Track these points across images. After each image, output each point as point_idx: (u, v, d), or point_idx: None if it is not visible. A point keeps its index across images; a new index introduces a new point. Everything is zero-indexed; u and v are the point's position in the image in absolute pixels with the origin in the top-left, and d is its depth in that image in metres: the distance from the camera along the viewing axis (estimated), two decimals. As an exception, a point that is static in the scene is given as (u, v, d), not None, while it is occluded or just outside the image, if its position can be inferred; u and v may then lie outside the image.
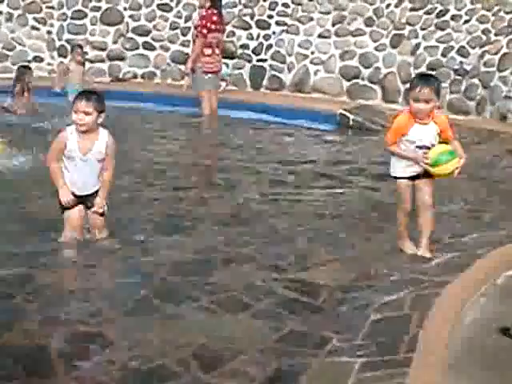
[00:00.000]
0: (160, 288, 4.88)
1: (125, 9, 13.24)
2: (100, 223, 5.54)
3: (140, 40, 13.18)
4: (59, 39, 13.35)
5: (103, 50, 13.26)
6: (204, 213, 6.61)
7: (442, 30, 11.55)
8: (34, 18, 13.41)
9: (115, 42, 13.27)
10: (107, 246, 5.58)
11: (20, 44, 13.30)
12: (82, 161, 5.21)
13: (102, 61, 13.20)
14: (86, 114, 5.06)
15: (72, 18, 13.36)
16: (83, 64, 11.12)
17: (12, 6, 13.38)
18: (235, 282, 4.94)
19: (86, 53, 12.05)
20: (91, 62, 13.14)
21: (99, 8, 13.32)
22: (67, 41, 13.28)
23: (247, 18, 12.71)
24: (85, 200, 5.41)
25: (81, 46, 11.46)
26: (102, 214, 5.50)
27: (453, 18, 11.53)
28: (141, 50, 13.22)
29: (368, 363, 3.84)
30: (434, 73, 11.31)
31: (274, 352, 4.03)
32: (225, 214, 6.57)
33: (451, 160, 5.16)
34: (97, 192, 5.39)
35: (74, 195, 5.34)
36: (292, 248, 5.68)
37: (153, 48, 13.13)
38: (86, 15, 13.35)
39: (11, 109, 10.75)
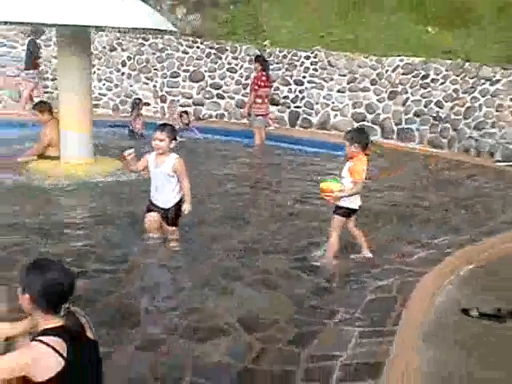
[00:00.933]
0: (220, 268, 4.69)
1: (205, 71, 13.15)
2: (171, 229, 5.08)
3: (214, 92, 13.07)
4: (161, 91, 13.31)
5: (189, 98, 13.18)
6: (255, 212, 6.37)
7: (425, 88, 11.22)
8: (145, 77, 13.41)
9: (198, 93, 13.16)
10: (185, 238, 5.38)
11: (135, 93, 13.31)
12: (154, 173, 4.93)
13: (189, 106, 13.12)
14: (161, 140, 4.80)
15: (170, 77, 13.31)
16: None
17: (131, 68, 13.41)
18: (271, 267, 4.74)
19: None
20: (182, 106, 13.14)
21: (188, 70, 13.25)
22: (166, 92, 13.25)
23: (288, 78, 12.51)
24: (161, 212, 5.00)
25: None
26: (172, 224, 5.04)
27: (432, 80, 11.20)
28: (215, 99, 13.09)
29: (364, 332, 3.67)
30: (417, 119, 11.09)
31: (295, 321, 3.85)
32: (268, 214, 6.33)
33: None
34: (168, 209, 4.95)
35: (151, 203, 5.03)
36: (312, 242, 5.42)
37: (223, 97, 13.01)
38: (179, 75, 13.29)
39: (134, 129, 10.78)
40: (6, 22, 7.62)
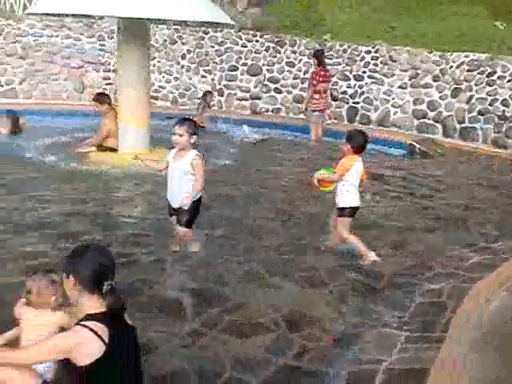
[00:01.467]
0: (266, 263, 4.68)
1: (263, 64, 13.15)
2: (182, 235, 4.66)
3: (272, 86, 13.04)
4: (219, 84, 13.41)
5: (247, 92, 13.22)
6: (304, 209, 6.31)
7: (490, 86, 10.78)
8: (204, 70, 13.54)
9: (255, 87, 13.18)
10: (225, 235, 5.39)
11: (194, 86, 13.48)
12: (172, 168, 4.60)
13: (246, 99, 13.16)
14: (180, 135, 4.47)
15: (228, 70, 13.39)
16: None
17: (190, 61, 13.58)
18: (318, 265, 4.68)
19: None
20: (239, 99, 13.22)
21: (246, 64, 13.30)
22: (224, 85, 13.34)
23: (347, 73, 12.33)
24: (175, 213, 4.65)
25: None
26: (185, 226, 4.60)
27: (499, 77, 10.74)
28: (272, 93, 13.06)
29: (411, 337, 3.57)
30: (481, 117, 10.68)
31: (340, 320, 3.79)
32: (318, 210, 6.25)
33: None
34: (180, 210, 4.56)
35: (169, 206, 4.70)
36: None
37: (280, 91, 12.96)
38: (237, 68, 13.35)
39: (199, 122, 10.46)
40: (69, 15, 7.87)
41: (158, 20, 8.09)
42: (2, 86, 12.94)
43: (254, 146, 10.05)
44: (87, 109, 10.65)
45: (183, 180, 4.53)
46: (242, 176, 7.75)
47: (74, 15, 8.41)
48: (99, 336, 2.36)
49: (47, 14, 9.49)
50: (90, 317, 2.43)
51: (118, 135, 8.23)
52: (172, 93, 13.69)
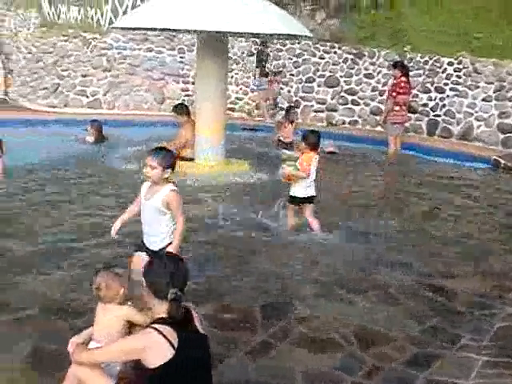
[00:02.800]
0: (341, 278, 4.66)
1: (341, 76, 13.11)
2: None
3: (349, 98, 12.97)
4: (295, 96, 13.49)
5: (323, 104, 13.20)
6: (382, 223, 6.20)
7: None
8: (281, 82, 13.67)
9: (332, 99, 13.15)
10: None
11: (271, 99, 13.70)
12: (143, 205, 3.97)
13: (322, 111, 13.16)
14: (152, 168, 3.85)
15: (305, 82, 13.44)
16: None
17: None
18: (391, 282, 4.59)
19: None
20: (315, 111, 13.24)
21: (324, 75, 13.30)
22: (300, 97, 13.40)
23: (428, 85, 12.05)
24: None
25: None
26: None
27: None
28: (349, 105, 12.99)
29: (490, 362, 3.42)
30: None
31: (414, 341, 3.69)
32: (398, 226, 6.13)
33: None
34: (155, 252, 3.84)
35: (143, 242, 4.07)
36: (439, 260, 5.17)
37: (358, 103, 12.87)
38: (314, 80, 13.38)
39: (283, 138, 10.40)
40: (150, 29, 8.19)
41: (237, 33, 8.26)
42: (88, 96, 13.64)
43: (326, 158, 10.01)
44: (167, 119, 11.02)
45: (156, 218, 3.92)
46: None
47: (155, 29, 8.76)
48: (168, 340, 2.45)
49: (133, 29, 9.93)
50: (160, 320, 2.54)
51: (194, 146, 8.47)
52: (248, 104, 13.91)
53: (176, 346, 2.45)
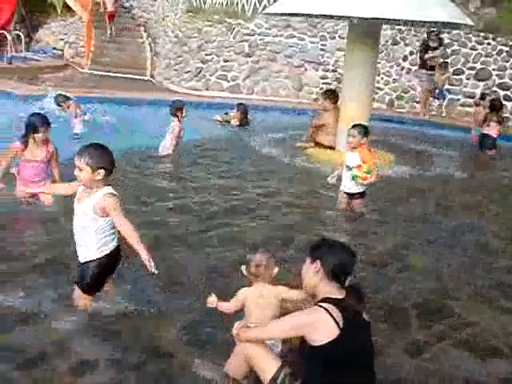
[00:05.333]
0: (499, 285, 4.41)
1: (493, 69, 12.37)
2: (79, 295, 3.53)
3: (502, 93, 12.20)
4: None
5: (471, 98, 12.53)
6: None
7: None
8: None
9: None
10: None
11: (412, 89, 13.29)
12: (75, 210, 3.48)
13: (470, 106, 12.45)
14: (80, 169, 3.34)
15: (453, 74, 12.84)
16: None
17: (412, 63, 13.33)
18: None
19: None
20: (461, 106, 12.63)
21: (474, 68, 12.63)
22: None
23: None
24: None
25: None
26: (83, 290, 3.49)
27: None
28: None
29: None
30: None
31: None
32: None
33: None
34: (82, 264, 3.46)
35: None
36: None
37: (511, 99, 12.07)
38: (463, 72, 12.76)
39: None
40: (295, 14, 8.23)
41: (392, 20, 8.04)
42: (228, 81, 14.08)
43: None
44: (304, 107, 11.09)
45: (85, 226, 3.42)
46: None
47: (301, 15, 8.82)
48: (334, 319, 2.50)
49: (283, 14, 10.07)
50: (327, 299, 2.60)
51: (335, 133, 8.44)
52: (389, 95, 13.59)
53: (341, 325, 2.50)
